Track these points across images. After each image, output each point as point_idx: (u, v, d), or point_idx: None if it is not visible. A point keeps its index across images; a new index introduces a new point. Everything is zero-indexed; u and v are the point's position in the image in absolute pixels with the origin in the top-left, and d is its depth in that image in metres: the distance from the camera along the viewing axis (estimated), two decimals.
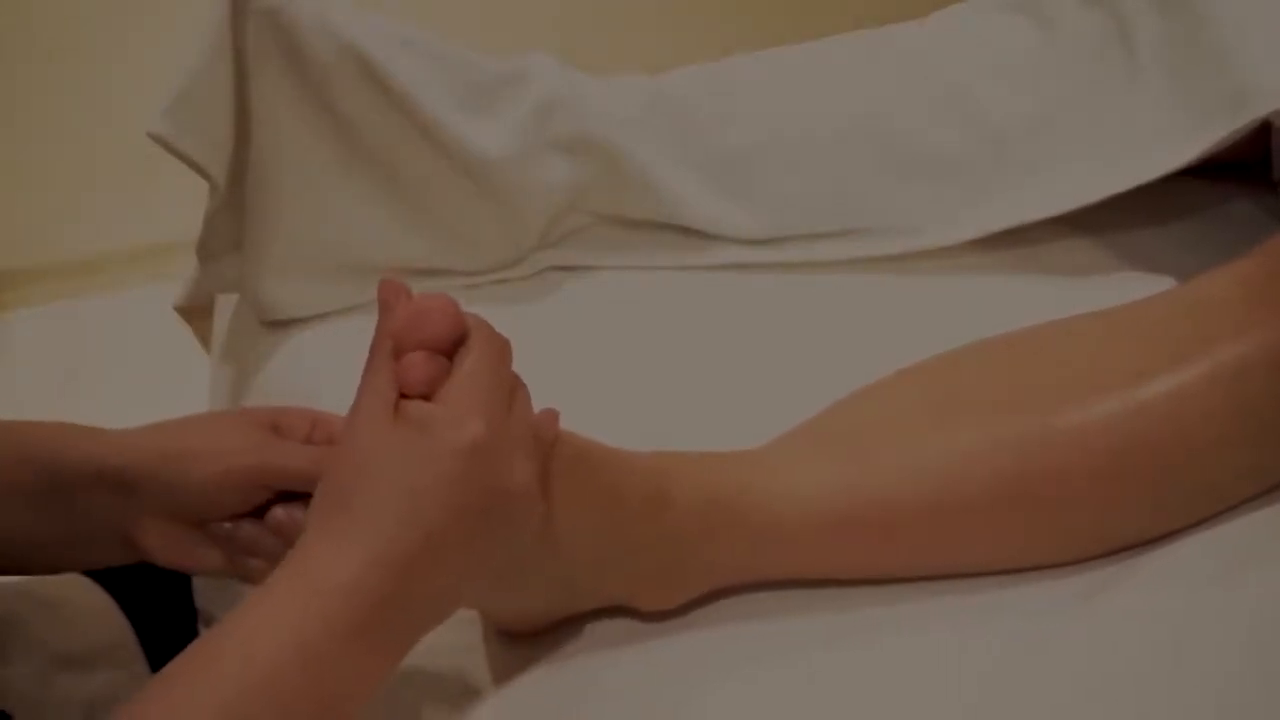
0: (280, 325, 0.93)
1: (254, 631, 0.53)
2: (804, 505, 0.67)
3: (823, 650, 0.66)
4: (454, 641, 0.69)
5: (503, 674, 0.68)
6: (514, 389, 0.60)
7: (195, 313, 1.04)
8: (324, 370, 0.88)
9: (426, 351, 0.57)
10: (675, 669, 0.67)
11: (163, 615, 0.66)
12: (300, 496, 0.65)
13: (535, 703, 0.66)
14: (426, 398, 0.57)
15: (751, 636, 0.68)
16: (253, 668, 0.52)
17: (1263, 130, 0.86)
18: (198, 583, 0.83)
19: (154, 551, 0.66)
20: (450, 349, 0.58)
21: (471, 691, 0.68)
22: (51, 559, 0.68)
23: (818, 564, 0.69)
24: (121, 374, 1.75)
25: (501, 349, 0.60)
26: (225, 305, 1.02)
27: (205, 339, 1.06)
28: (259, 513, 0.66)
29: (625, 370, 0.86)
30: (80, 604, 0.77)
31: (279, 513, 0.65)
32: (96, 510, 0.65)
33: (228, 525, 0.66)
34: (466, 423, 0.56)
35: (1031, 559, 0.69)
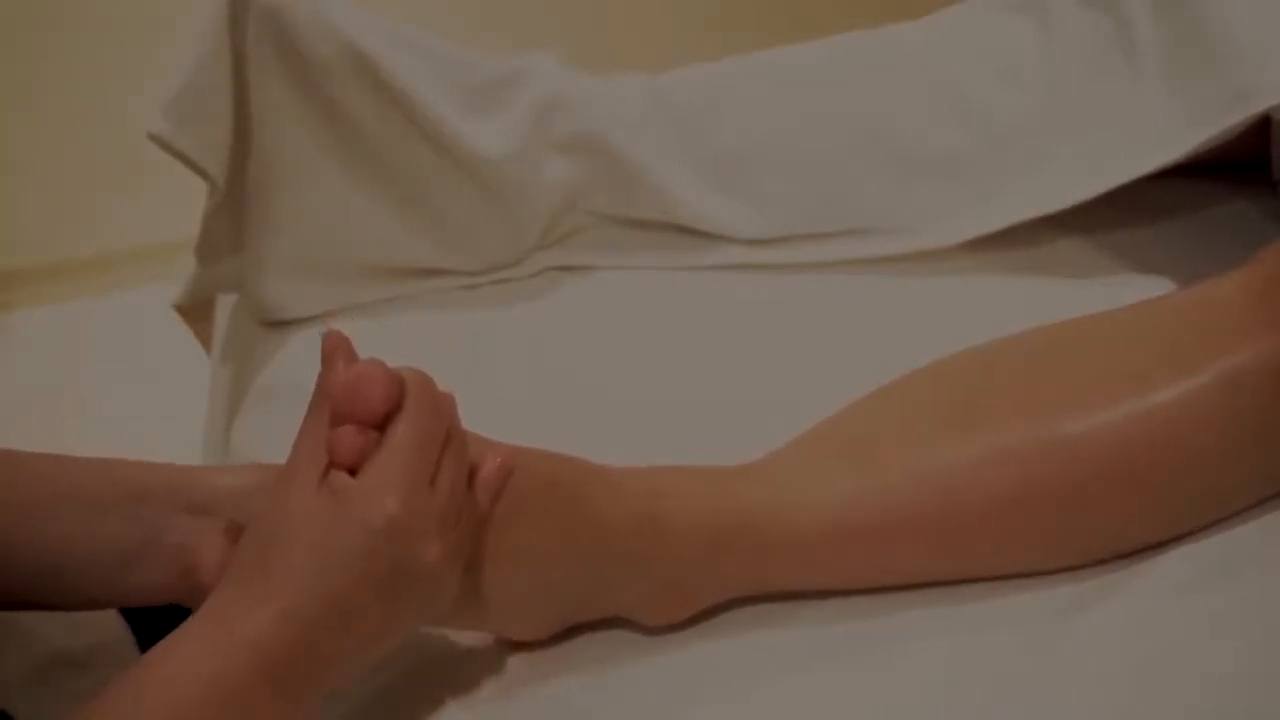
0: (280, 325, 0.93)
1: (170, 675, 0.55)
2: (812, 517, 0.67)
3: (819, 664, 0.67)
4: (455, 647, 0.69)
5: (503, 681, 0.68)
6: (443, 455, 0.60)
7: (195, 313, 1.04)
8: None
9: (357, 425, 0.59)
10: (675, 681, 0.67)
11: (158, 613, 0.65)
12: None
13: (534, 705, 0.66)
14: (354, 470, 0.58)
15: (749, 649, 0.68)
16: (167, 710, 0.54)
17: (1262, 130, 0.86)
18: None
19: (209, 571, 0.65)
20: (382, 421, 0.59)
21: (471, 698, 0.68)
22: (93, 582, 0.67)
23: (825, 574, 0.69)
24: (121, 374, 1.75)
25: (434, 416, 0.60)
26: (225, 305, 1.02)
27: (205, 339, 1.06)
28: None
29: (625, 371, 0.86)
30: None
31: None
32: (162, 524, 0.65)
33: None
34: (381, 501, 0.58)
35: (1038, 564, 0.69)
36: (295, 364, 0.90)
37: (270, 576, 0.57)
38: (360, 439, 0.59)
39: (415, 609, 0.60)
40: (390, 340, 0.72)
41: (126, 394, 1.70)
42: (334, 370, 0.60)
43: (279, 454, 0.74)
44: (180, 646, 0.57)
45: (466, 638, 0.69)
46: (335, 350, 0.61)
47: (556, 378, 0.86)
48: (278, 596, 0.57)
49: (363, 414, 0.59)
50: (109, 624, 0.77)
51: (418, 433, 0.59)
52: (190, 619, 0.58)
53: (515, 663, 0.68)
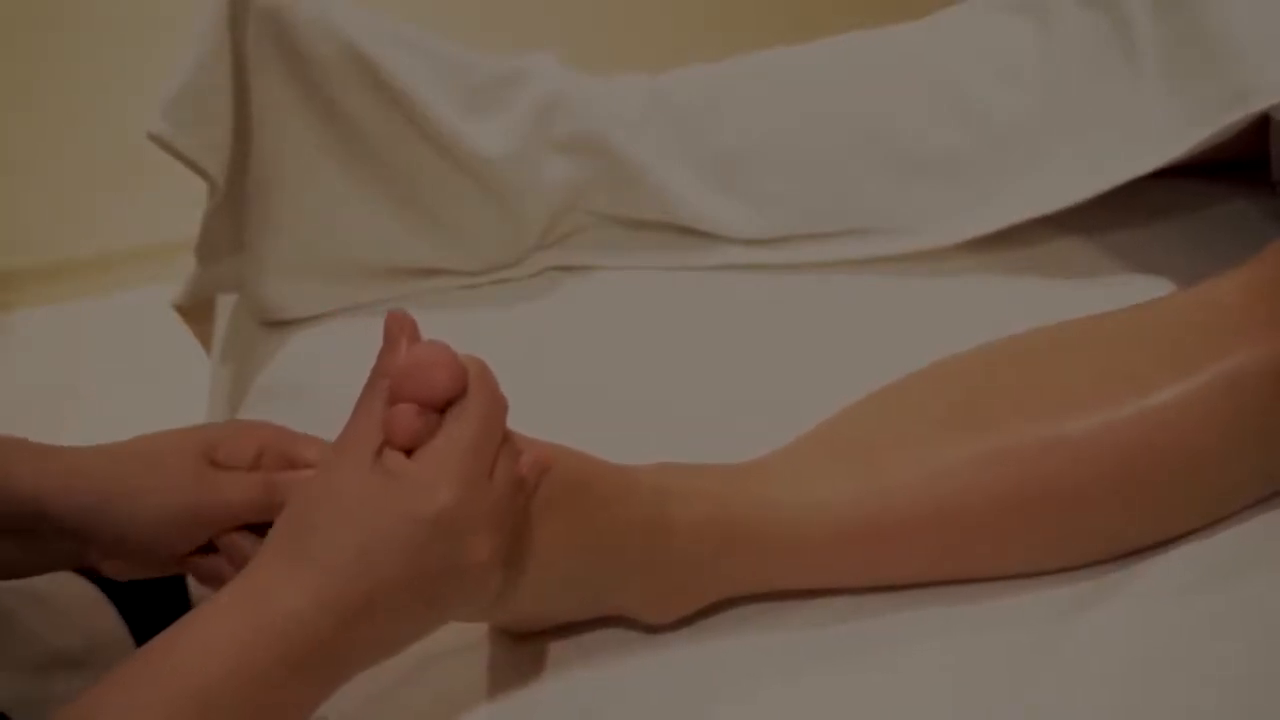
0: (280, 325, 0.93)
1: (198, 648, 0.54)
2: (815, 517, 0.67)
3: (822, 665, 0.66)
4: (455, 641, 0.69)
5: (503, 675, 0.68)
6: (500, 452, 0.59)
7: (195, 313, 1.04)
8: (323, 371, 0.88)
9: (418, 406, 0.57)
10: (678, 681, 0.67)
11: (156, 610, 0.66)
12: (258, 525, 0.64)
13: (534, 704, 0.66)
14: (410, 451, 0.57)
15: (753, 649, 0.68)
16: (191, 684, 0.53)
17: (1261, 130, 0.86)
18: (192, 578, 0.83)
19: (115, 576, 0.65)
20: (444, 405, 0.58)
21: (471, 692, 0.68)
22: (14, 573, 0.67)
23: (827, 574, 0.69)
24: (122, 374, 1.75)
25: (496, 410, 0.59)
26: (225, 305, 1.02)
27: (205, 339, 1.06)
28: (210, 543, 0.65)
29: (625, 371, 0.86)
30: (73, 600, 0.77)
31: (236, 539, 0.64)
32: (52, 546, 0.65)
33: (180, 559, 0.65)
34: (437, 490, 0.56)
35: (1039, 564, 0.69)
36: (295, 364, 0.90)
37: (311, 559, 0.55)
38: (419, 420, 0.57)
39: (455, 606, 0.59)
40: None
41: (126, 394, 1.70)
42: (396, 350, 0.58)
43: None
44: (210, 621, 0.55)
45: (467, 635, 0.69)
46: (399, 329, 0.59)
47: (556, 378, 0.86)
48: (316, 580, 0.55)
49: (424, 396, 0.57)
50: (108, 623, 0.77)
51: (480, 423, 0.57)
52: (224, 590, 0.56)
53: (516, 662, 0.68)
